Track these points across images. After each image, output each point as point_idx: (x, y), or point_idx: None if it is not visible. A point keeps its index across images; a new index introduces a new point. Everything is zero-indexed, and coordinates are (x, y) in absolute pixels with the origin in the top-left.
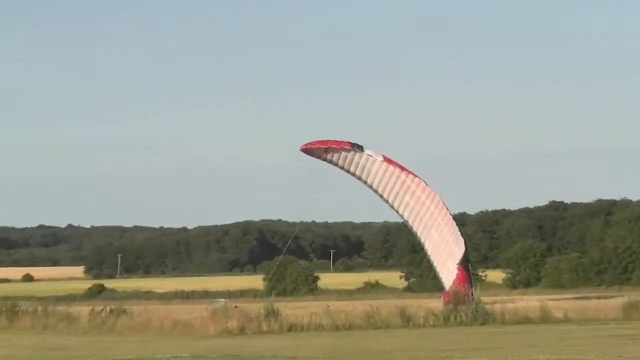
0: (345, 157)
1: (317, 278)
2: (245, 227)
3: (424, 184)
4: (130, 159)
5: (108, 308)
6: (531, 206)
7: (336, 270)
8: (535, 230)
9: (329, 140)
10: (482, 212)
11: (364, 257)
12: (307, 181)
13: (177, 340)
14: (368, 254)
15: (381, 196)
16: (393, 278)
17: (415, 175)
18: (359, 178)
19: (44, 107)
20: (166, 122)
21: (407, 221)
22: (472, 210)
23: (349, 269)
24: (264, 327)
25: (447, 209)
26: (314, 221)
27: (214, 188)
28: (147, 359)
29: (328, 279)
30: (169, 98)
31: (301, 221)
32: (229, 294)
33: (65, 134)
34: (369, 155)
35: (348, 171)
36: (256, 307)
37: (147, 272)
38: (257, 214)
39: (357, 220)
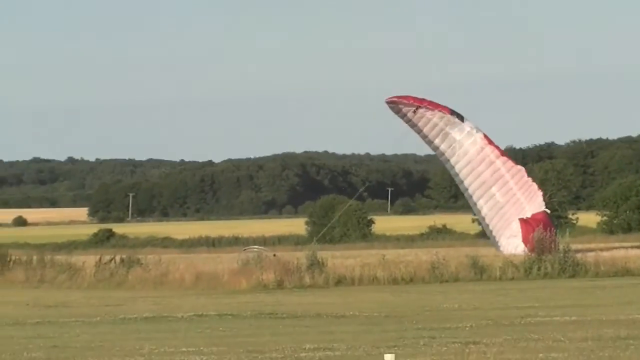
0: (435, 125)
1: (371, 222)
2: (284, 161)
3: (524, 175)
4: (145, 81)
5: (118, 258)
6: (634, 135)
7: (395, 212)
8: (639, 163)
9: (425, 100)
10: (574, 142)
11: (428, 197)
12: (357, 107)
13: (201, 296)
14: (434, 193)
15: (461, 182)
16: (464, 222)
17: (515, 163)
18: (442, 154)
19: (38, 20)
20: (188, 39)
21: (484, 217)
22: (561, 140)
23: (410, 210)
24: (307, 281)
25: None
26: (368, 153)
27: (246, 114)
28: (165, 317)
29: (385, 223)
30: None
31: (353, 153)
32: (264, 241)
33: (66, 51)
34: (470, 129)
35: (431, 142)
36: (297, 256)
37: (165, 215)
38: (298, 145)
39: (421, 152)
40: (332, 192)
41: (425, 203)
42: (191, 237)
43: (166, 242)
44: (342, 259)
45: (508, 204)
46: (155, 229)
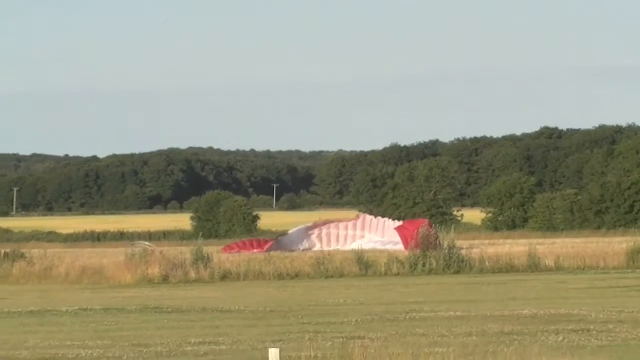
0: None
1: (257, 217)
2: (170, 157)
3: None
4: (30, 73)
5: (2, 252)
6: (518, 133)
7: (280, 208)
8: (523, 161)
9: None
10: (458, 140)
11: (314, 193)
12: (244, 102)
13: (86, 290)
14: (319, 189)
15: None
16: (349, 217)
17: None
18: None
19: None
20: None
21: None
22: (446, 138)
23: (295, 206)
24: (192, 275)
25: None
26: (253, 150)
27: (132, 110)
28: (50, 311)
29: (270, 219)
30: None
31: (238, 149)
32: (149, 236)
33: None
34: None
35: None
36: (183, 251)
37: (50, 210)
38: (183, 141)
39: (306, 148)
40: (218, 188)
41: (311, 199)
42: (76, 232)
43: (51, 237)
44: (227, 254)
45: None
46: (40, 224)
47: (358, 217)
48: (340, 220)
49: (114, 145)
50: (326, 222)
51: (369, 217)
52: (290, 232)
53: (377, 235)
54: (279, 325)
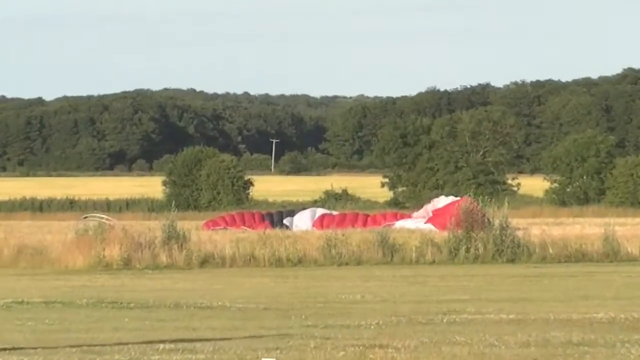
0: None
1: (249, 183)
2: (137, 101)
3: None
4: None
5: None
6: (594, 76)
7: (280, 171)
8: (600, 114)
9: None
10: (515, 84)
11: (324, 152)
12: (237, 29)
13: (23, 276)
14: (332, 147)
15: None
16: (371, 185)
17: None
18: None
19: None
20: None
21: None
22: (499, 81)
23: (300, 169)
24: (163, 259)
25: None
26: (246, 93)
27: (88, 38)
28: None
29: (267, 185)
30: None
31: (227, 92)
32: (107, 206)
33: None
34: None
35: None
36: (150, 226)
37: None
38: (155, 81)
39: (316, 93)
40: (199, 142)
41: (321, 160)
42: (12, 198)
43: None
44: (209, 232)
45: None
46: None
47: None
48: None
49: (64, 85)
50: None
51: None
52: (298, 213)
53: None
54: (276, 327)
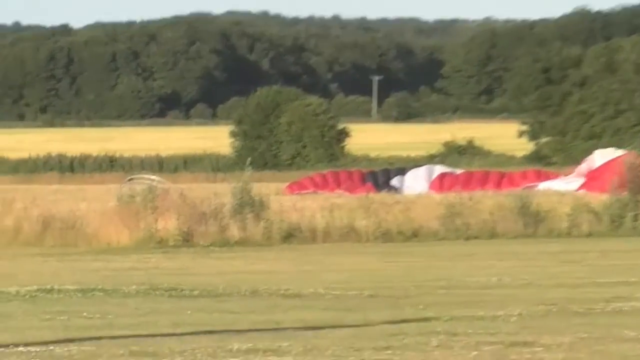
0: None
1: (344, 133)
2: (194, 28)
3: None
4: None
5: None
6: None
7: (385, 117)
8: None
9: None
10: None
11: (442, 92)
12: None
13: (51, 256)
14: (451, 86)
15: None
16: (504, 135)
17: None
18: None
19: None
20: None
21: None
22: None
23: (411, 115)
24: (234, 233)
25: None
26: (337, 17)
27: None
28: None
29: (368, 136)
30: None
31: (311, 16)
32: (159, 165)
33: None
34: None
35: None
36: (217, 191)
37: None
38: (216, 2)
39: (429, 16)
40: (277, 81)
41: (437, 103)
42: (33, 156)
43: None
44: (294, 197)
45: None
46: None
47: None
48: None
49: (96, 9)
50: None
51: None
52: (409, 171)
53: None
54: (386, 320)
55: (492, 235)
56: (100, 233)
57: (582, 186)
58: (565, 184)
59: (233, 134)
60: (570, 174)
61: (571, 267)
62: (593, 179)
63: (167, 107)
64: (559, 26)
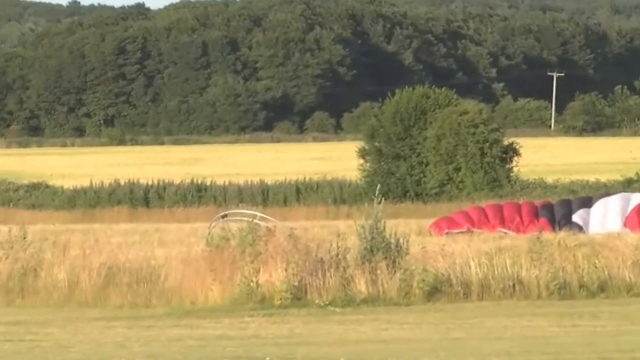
0: None
1: (512, 151)
2: (311, 8)
3: None
4: None
5: None
6: None
7: (566, 128)
8: None
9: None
10: None
11: None
12: None
13: (118, 321)
14: None
15: None
16: None
17: None
18: None
19: None
20: None
21: None
22: None
23: (602, 125)
24: (361, 288)
25: None
26: None
27: None
28: None
29: (543, 155)
30: None
31: None
32: (263, 194)
33: None
34: None
35: None
36: (339, 230)
37: (32, 130)
38: None
39: None
40: (422, 80)
41: (639, 108)
42: (95, 185)
43: (35, 195)
44: (442, 238)
45: None
46: (4, 162)
47: None
48: None
49: None
50: None
51: None
52: (597, 202)
53: None
54: None
55: None
56: (183, 289)
57: None
58: None
59: (362, 153)
60: None
61: None
62: None
63: (275, 117)
64: None
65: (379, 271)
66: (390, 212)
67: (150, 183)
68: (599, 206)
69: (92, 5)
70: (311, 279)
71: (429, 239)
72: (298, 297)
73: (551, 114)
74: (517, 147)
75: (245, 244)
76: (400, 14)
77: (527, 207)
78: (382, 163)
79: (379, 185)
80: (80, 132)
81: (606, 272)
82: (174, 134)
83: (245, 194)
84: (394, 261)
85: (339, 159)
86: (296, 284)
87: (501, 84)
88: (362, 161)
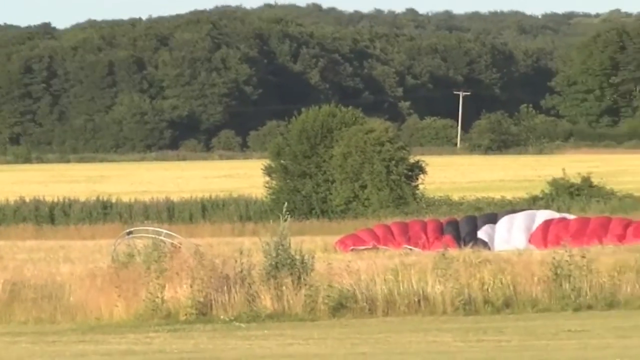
0: None
1: (417, 169)
2: (218, 28)
3: None
4: None
5: None
6: None
7: (472, 146)
8: None
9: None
10: None
11: (551, 113)
12: None
13: (22, 336)
14: (564, 104)
15: None
16: (632, 170)
17: None
18: None
19: None
20: None
21: None
22: None
23: (507, 143)
24: (267, 304)
25: None
26: (412, 10)
27: None
28: None
29: (448, 173)
30: None
31: (375, 11)
32: (169, 212)
33: None
34: None
35: None
36: (245, 246)
37: None
38: None
39: (534, 9)
40: (329, 99)
41: (544, 127)
42: (1, 201)
43: None
44: (348, 254)
45: None
46: None
47: None
48: None
49: (87, 3)
50: None
51: None
52: (502, 218)
53: None
54: None
55: (611, 304)
56: (88, 305)
57: None
58: None
59: (268, 171)
60: None
61: None
62: None
63: (181, 136)
64: None
65: (284, 287)
66: (296, 229)
67: (55, 200)
68: (504, 222)
69: (9, 26)
70: (216, 295)
71: (334, 256)
72: (203, 312)
73: (457, 132)
74: (423, 165)
75: (150, 261)
76: (307, 34)
77: (432, 224)
78: (288, 181)
79: (285, 203)
80: None
81: (511, 288)
82: (79, 152)
83: (151, 211)
84: (299, 277)
85: (245, 176)
86: (201, 299)
87: (407, 103)
88: (268, 179)
